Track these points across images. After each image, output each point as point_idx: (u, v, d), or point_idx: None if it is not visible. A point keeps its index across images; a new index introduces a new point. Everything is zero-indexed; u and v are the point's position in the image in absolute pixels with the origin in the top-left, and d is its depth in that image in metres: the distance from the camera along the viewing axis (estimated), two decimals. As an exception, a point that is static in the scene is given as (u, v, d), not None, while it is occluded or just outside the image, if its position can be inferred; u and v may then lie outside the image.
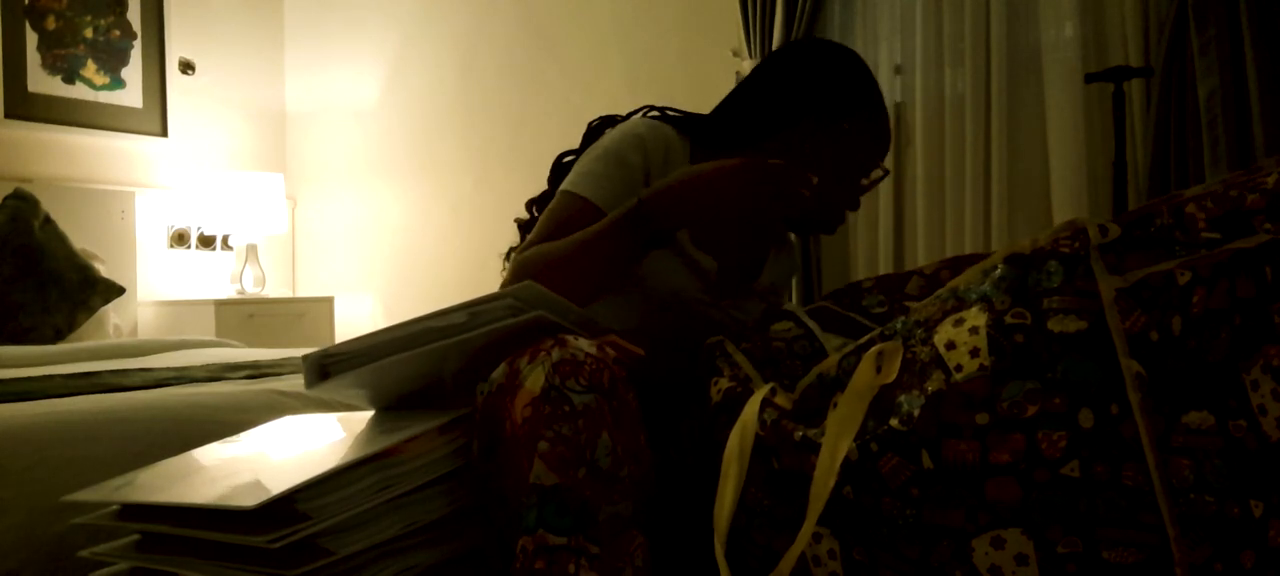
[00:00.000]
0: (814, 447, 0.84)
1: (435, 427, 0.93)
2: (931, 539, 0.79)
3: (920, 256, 2.73)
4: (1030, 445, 0.76)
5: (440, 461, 0.93)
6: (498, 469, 0.90)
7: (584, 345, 0.89)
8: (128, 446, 1.30)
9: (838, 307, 1.13)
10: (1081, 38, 2.51)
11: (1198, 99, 2.26)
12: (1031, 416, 0.76)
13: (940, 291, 0.90)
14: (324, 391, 0.96)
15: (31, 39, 3.36)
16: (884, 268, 2.78)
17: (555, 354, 0.87)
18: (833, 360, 0.91)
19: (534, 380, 0.86)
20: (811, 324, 1.05)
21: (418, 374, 0.98)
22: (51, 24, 3.41)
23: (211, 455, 1.01)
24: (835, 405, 0.87)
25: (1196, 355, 0.75)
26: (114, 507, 0.94)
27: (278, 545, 0.78)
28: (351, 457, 0.85)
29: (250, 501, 0.77)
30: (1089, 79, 2.29)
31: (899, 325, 0.90)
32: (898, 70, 2.82)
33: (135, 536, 0.94)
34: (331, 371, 0.94)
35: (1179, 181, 2.30)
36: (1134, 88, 2.40)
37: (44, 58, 3.39)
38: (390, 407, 1.05)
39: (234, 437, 1.08)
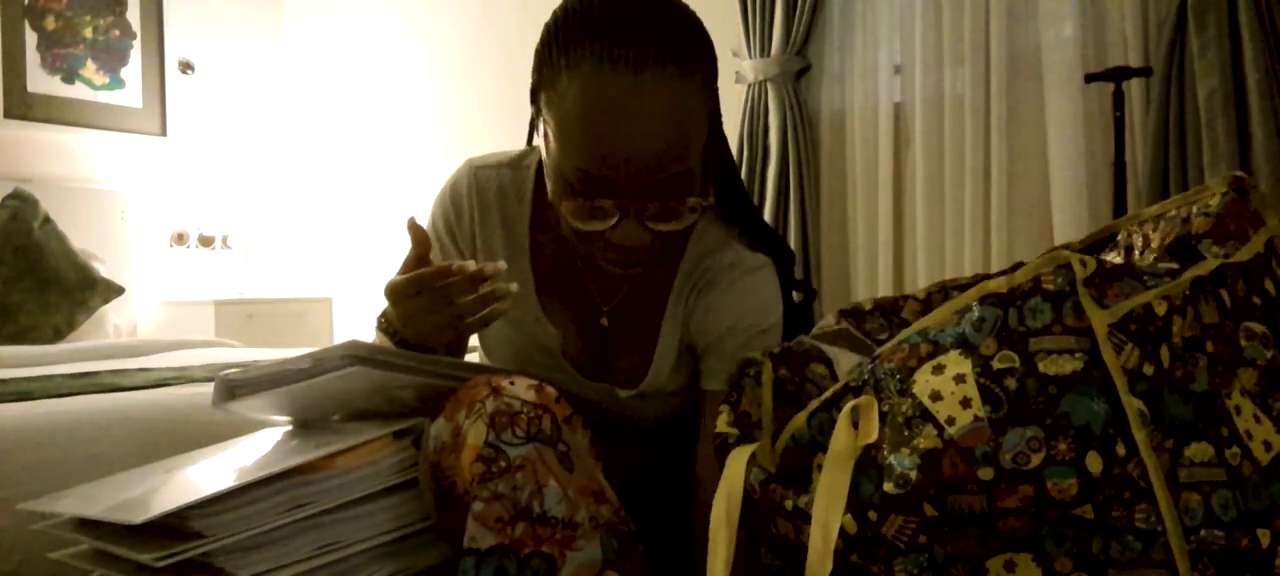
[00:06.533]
0: (807, 518, 0.80)
1: (366, 443, 0.87)
2: (945, 568, 0.77)
3: (919, 256, 2.73)
4: (1040, 492, 0.73)
5: (370, 478, 0.87)
6: (456, 529, 0.86)
7: (521, 392, 0.85)
8: (128, 446, 1.30)
9: (849, 323, 1.08)
10: (1081, 38, 2.51)
11: (1197, 99, 2.26)
12: (1037, 466, 0.73)
13: (906, 333, 0.85)
14: (237, 409, 0.95)
15: (31, 39, 3.36)
16: (883, 267, 2.77)
17: (490, 405, 0.83)
18: (801, 419, 0.86)
19: (475, 435, 0.82)
20: (832, 352, 0.99)
21: (308, 405, 0.96)
22: (51, 24, 3.41)
23: (167, 466, 0.98)
24: (819, 467, 0.82)
25: (1184, 385, 0.74)
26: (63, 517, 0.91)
27: (162, 564, 0.75)
28: (257, 475, 0.81)
29: (137, 517, 0.75)
30: (1089, 79, 2.29)
31: (867, 373, 0.84)
32: (898, 70, 2.82)
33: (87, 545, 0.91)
34: (237, 393, 0.93)
35: (1179, 181, 2.30)
36: (1134, 88, 2.40)
37: (43, 57, 3.39)
38: (354, 417, 1.01)
39: (219, 445, 1.06)
